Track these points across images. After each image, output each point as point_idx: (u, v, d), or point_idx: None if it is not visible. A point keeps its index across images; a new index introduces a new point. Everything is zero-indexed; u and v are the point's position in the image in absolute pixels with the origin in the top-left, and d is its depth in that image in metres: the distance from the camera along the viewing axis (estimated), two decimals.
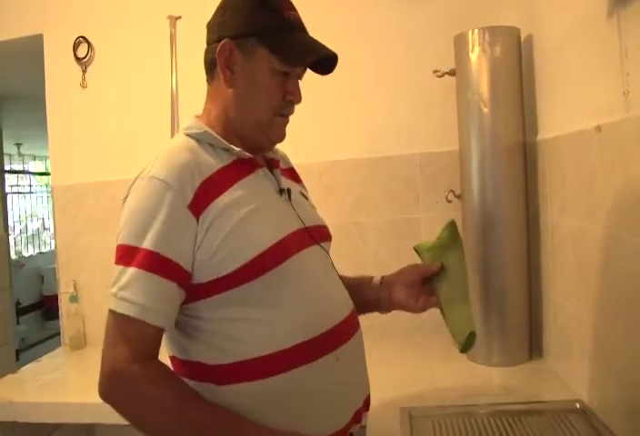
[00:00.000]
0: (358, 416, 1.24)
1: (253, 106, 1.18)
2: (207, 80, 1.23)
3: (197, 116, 1.24)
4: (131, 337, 1.03)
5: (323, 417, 1.15)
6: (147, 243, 1.03)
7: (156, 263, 1.03)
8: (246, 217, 1.09)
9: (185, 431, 1.03)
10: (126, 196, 1.11)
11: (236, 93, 1.17)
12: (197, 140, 1.16)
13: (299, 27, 1.18)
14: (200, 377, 1.13)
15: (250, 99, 1.18)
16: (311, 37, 1.20)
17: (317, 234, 1.26)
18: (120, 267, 1.04)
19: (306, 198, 1.38)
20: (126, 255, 1.04)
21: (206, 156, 1.13)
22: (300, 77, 1.23)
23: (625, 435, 1.34)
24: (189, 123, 1.21)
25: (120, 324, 1.04)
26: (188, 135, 1.17)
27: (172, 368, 1.18)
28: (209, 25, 1.21)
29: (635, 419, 1.30)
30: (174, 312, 1.07)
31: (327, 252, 1.28)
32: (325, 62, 1.20)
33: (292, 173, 1.43)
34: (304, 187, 1.45)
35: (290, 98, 1.19)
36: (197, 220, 1.06)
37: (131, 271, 1.02)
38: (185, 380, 1.14)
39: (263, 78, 1.15)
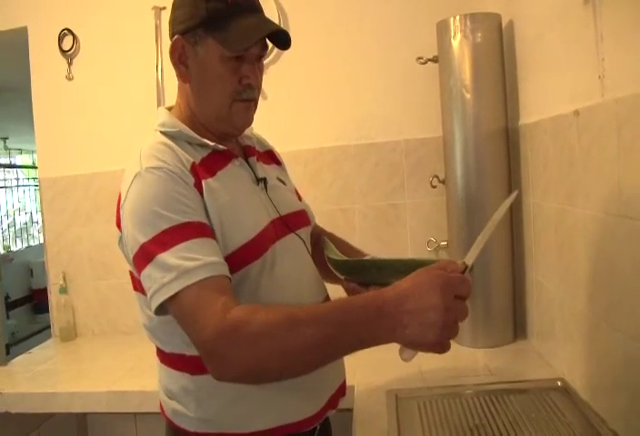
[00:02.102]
0: (334, 401, 1.27)
1: (209, 97, 1.17)
2: (176, 75, 1.22)
3: (169, 109, 1.24)
4: (213, 296, 0.96)
5: (297, 402, 1.18)
6: (177, 219, 1.01)
7: (196, 230, 1.02)
8: (225, 208, 1.10)
9: (333, 328, 0.91)
10: (125, 198, 1.08)
11: (193, 87, 1.18)
12: (172, 137, 1.15)
13: (248, 8, 1.16)
14: (179, 366, 1.15)
15: (205, 91, 1.17)
16: (259, 17, 1.17)
17: (293, 222, 1.27)
18: (162, 255, 0.99)
19: (284, 183, 1.38)
20: (163, 241, 1.00)
21: (184, 152, 1.13)
22: (262, 57, 1.21)
23: (605, 411, 1.38)
24: (162, 119, 1.19)
25: (195, 294, 0.96)
26: (163, 133, 1.16)
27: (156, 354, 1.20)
28: (168, 23, 1.21)
29: (613, 395, 1.34)
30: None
31: (303, 240, 1.29)
32: (283, 37, 1.18)
33: (270, 156, 1.43)
34: (283, 169, 1.46)
35: (246, 82, 1.17)
36: (202, 198, 1.08)
37: (178, 248, 0.99)
38: (168, 368, 1.17)
39: (213, 67, 1.14)
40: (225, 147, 1.20)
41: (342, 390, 1.32)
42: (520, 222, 2.03)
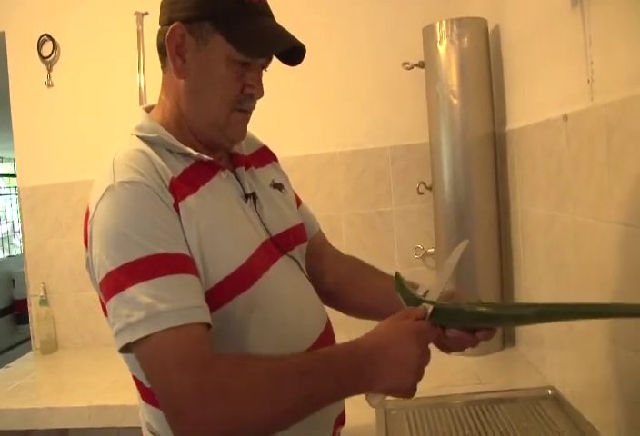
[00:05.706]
0: (334, 434, 1.15)
1: (206, 101, 1.04)
2: (161, 67, 1.08)
3: (148, 109, 1.12)
4: (188, 347, 0.86)
5: None
6: (153, 248, 0.89)
7: (174, 263, 0.90)
8: (206, 234, 0.97)
9: (318, 379, 0.88)
10: (93, 214, 0.94)
11: (188, 84, 1.03)
12: (151, 143, 1.01)
13: (263, 12, 1.04)
14: None
15: (203, 92, 1.04)
16: (276, 24, 1.05)
17: (285, 242, 1.13)
18: (130, 289, 0.86)
19: (282, 186, 1.24)
20: (134, 273, 0.87)
21: (163, 160, 0.99)
22: (265, 67, 1.09)
23: (597, 420, 1.36)
24: (140, 121, 1.05)
25: (168, 342, 0.85)
26: (140, 138, 1.02)
27: (136, 389, 1.06)
28: (161, 5, 1.05)
29: (605, 404, 1.31)
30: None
31: (297, 260, 1.15)
32: (292, 52, 1.06)
33: (263, 155, 1.28)
34: (278, 168, 1.32)
35: (249, 92, 1.05)
36: (180, 221, 0.95)
37: (151, 283, 0.87)
38: (151, 406, 1.03)
39: (217, 68, 1.01)
40: (210, 158, 1.05)
41: (340, 420, 1.19)
42: (508, 227, 2.01)
